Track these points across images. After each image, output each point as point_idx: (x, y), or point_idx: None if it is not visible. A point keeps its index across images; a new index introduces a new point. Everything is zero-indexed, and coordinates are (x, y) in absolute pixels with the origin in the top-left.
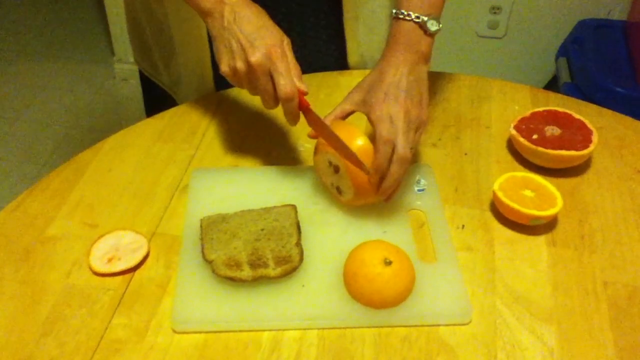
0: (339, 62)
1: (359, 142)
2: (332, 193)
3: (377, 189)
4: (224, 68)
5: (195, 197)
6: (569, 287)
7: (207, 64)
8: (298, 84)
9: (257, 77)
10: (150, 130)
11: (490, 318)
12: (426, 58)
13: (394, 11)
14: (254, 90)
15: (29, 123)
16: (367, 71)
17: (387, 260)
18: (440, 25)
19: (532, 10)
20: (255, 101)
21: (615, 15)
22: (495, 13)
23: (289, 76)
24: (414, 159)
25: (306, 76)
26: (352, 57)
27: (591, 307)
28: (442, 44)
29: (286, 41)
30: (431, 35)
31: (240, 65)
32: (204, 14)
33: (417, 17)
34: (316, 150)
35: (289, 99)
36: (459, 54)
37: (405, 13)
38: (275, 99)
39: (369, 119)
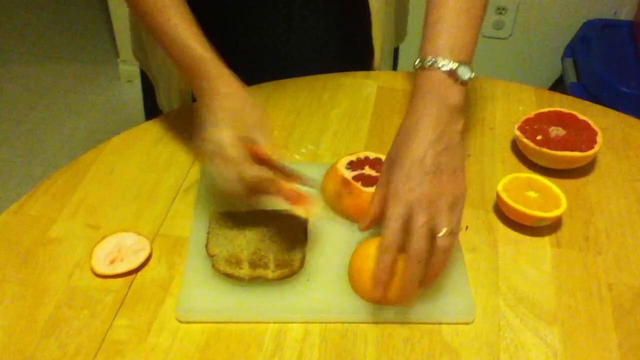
0: (340, 63)
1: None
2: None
3: (385, 298)
4: None
5: (205, 190)
6: (573, 289)
7: None
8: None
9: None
10: (152, 131)
11: (494, 319)
12: (458, 111)
13: (416, 61)
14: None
15: (32, 124)
16: (372, 72)
17: None
18: (473, 74)
19: (538, 10)
20: None
21: (621, 15)
22: (500, 13)
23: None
24: (454, 245)
25: (309, 78)
26: (377, 61)
27: (595, 309)
28: None
29: None
30: (463, 84)
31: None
32: None
33: (446, 66)
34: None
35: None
36: None
37: (431, 61)
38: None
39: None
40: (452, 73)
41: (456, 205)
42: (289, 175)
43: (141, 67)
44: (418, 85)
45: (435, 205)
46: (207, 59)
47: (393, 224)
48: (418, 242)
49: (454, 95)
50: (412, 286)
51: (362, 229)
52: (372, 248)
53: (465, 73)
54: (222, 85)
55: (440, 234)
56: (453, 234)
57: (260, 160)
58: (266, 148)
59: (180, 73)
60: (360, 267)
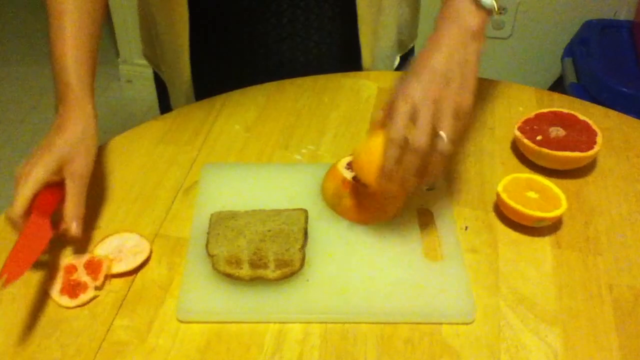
0: (343, 65)
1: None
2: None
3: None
4: None
5: (206, 191)
6: (573, 290)
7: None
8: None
9: None
10: (153, 131)
11: (494, 320)
12: (478, 35)
13: None
14: None
15: (33, 125)
16: (372, 73)
17: None
18: (496, 3)
19: (538, 10)
20: (258, 102)
21: (621, 15)
22: (500, 13)
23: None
24: (453, 150)
25: (309, 78)
26: (367, 63)
27: (596, 310)
28: None
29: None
30: (485, 10)
31: None
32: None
33: None
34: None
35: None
36: None
37: None
38: None
39: None
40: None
41: (459, 115)
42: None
43: (153, 67)
44: (442, 12)
45: (439, 105)
46: (74, 85)
47: (399, 119)
48: (419, 135)
49: (474, 19)
50: (411, 176)
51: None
52: (379, 139)
53: (486, 0)
54: (68, 119)
55: (442, 134)
56: (452, 141)
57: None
58: (68, 202)
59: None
60: (368, 160)
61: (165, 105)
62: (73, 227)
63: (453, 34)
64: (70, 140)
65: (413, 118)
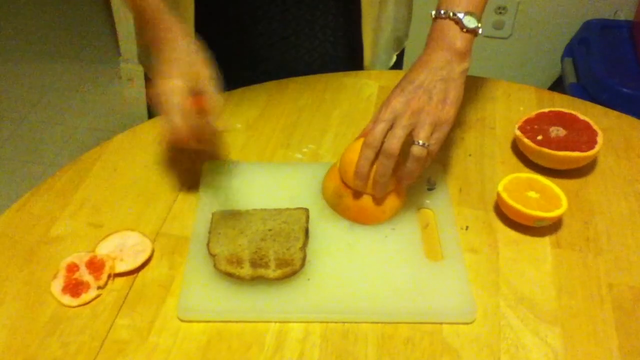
0: (347, 63)
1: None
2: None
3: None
4: None
5: (207, 189)
6: (573, 289)
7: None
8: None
9: None
10: (155, 130)
11: (494, 319)
12: (463, 56)
13: (432, 12)
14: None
15: (34, 123)
16: (373, 72)
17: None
18: (480, 25)
19: (538, 10)
20: (259, 101)
21: (621, 15)
22: (500, 13)
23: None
24: (432, 159)
25: (310, 77)
26: (367, 60)
27: (596, 309)
28: None
29: None
30: (470, 32)
31: None
32: None
33: (454, 14)
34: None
35: None
36: None
37: (443, 12)
38: None
39: None
40: (458, 21)
41: (439, 128)
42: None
43: (146, 72)
44: (430, 34)
45: (418, 116)
46: (162, 11)
47: (378, 125)
48: (391, 139)
49: (460, 41)
50: (381, 179)
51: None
52: (359, 143)
53: (470, 22)
54: (173, 37)
55: (416, 142)
56: (429, 150)
57: (202, 111)
58: (210, 101)
59: (139, 27)
60: (352, 157)
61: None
62: (216, 117)
63: (439, 55)
64: (186, 50)
65: (392, 126)
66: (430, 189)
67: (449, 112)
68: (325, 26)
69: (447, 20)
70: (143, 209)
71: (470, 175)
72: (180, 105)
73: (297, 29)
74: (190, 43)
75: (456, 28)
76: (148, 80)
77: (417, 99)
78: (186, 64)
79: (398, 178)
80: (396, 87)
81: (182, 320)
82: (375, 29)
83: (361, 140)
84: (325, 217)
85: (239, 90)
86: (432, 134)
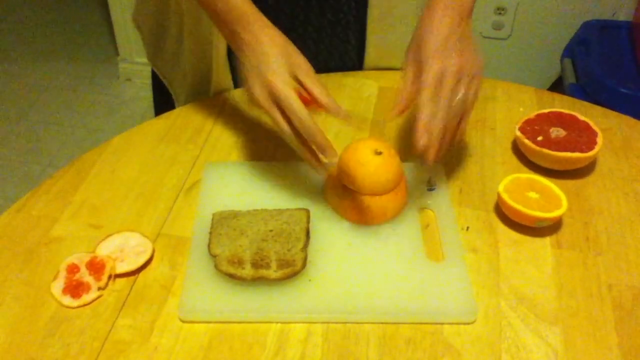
0: (355, 60)
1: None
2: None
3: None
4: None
5: (208, 190)
6: (573, 289)
7: (210, 66)
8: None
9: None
10: (154, 130)
11: (495, 320)
12: (469, 13)
13: None
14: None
15: (32, 123)
16: (373, 73)
17: (377, 151)
18: None
19: (537, 11)
20: None
21: (620, 16)
22: (500, 14)
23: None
24: (472, 109)
25: None
26: (370, 58)
27: (596, 309)
28: None
29: None
30: None
31: None
32: None
33: None
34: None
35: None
36: None
37: None
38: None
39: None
40: None
41: (474, 78)
42: (337, 114)
43: (159, 74)
44: None
45: (461, 74)
46: (250, 12)
47: (431, 80)
48: (455, 94)
49: (468, 1)
50: (435, 143)
51: (397, 114)
52: (359, 144)
53: None
54: (265, 35)
55: (457, 97)
56: (468, 102)
57: (306, 101)
58: (315, 90)
59: (220, 30)
60: (349, 158)
61: (162, 109)
62: (334, 108)
63: (450, 12)
64: (280, 45)
65: (444, 84)
66: (430, 190)
67: (481, 61)
68: (334, 23)
69: None
70: (143, 210)
71: (470, 175)
72: (301, 104)
73: (304, 20)
74: (282, 35)
75: None
76: (156, 79)
77: (457, 56)
78: (287, 56)
79: (446, 141)
80: (424, 48)
81: (183, 321)
82: (383, 28)
83: (361, 140)
84: (327, 217)
85: (240, 90)
86: (470, 86)
